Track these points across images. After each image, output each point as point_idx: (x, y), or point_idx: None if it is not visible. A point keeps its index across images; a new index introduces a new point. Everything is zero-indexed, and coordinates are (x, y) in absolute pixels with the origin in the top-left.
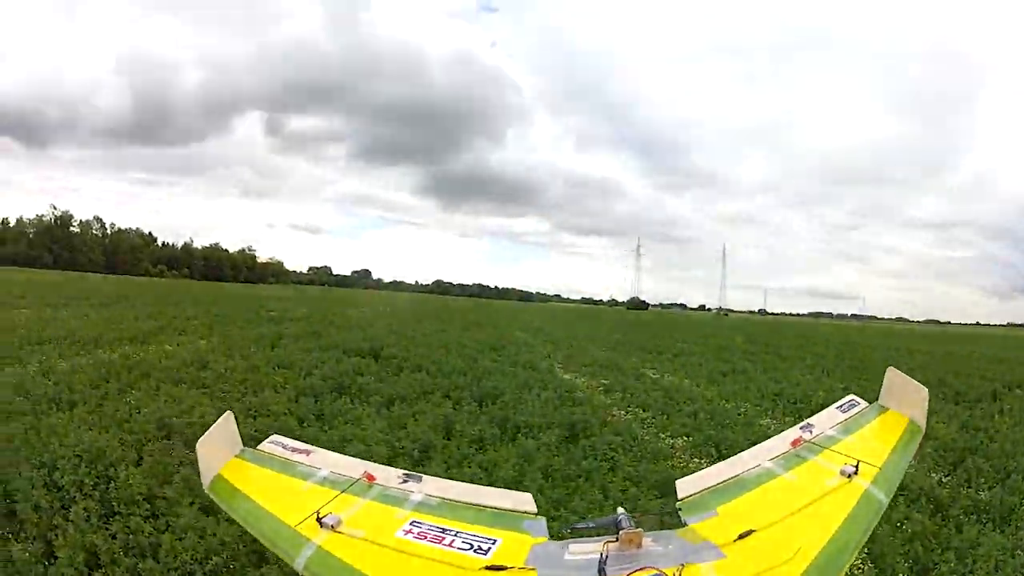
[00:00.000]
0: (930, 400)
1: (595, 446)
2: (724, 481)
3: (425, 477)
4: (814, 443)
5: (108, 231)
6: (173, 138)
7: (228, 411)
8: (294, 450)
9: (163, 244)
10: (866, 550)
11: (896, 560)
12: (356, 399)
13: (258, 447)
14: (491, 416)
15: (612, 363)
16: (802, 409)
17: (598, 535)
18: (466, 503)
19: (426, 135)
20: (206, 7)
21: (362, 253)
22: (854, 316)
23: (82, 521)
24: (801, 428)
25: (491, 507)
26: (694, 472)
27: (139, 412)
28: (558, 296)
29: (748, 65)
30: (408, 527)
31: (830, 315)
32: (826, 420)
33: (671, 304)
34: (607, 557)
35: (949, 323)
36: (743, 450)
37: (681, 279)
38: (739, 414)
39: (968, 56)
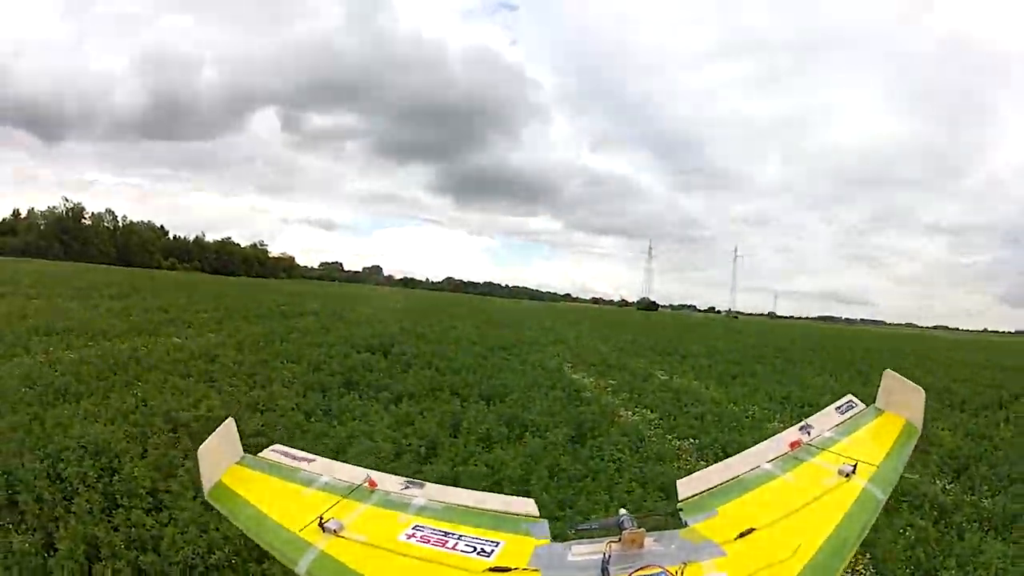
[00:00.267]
0: (935, 407)
1: (602, 446)
2: (724, 482)
3: (427, 484)
4: (812, 445)
5: (120, 224)
6: (190, 134)
7: (229, 418)
8: (296, 458)
9: (175, 237)
10: (868, 555)
11: (898, 565)
12: (364, 395)
13: (259, 454)
14: (499, 414)
15: (620, 363)
16: (810, 413)
17: (600, 536)
18: (468, 507)
19: (442, 133)
20: (226, 5)
21: (374, 250)
22: (863, 321)
23: (84, 513)
24: (800, 429)
25: (493, 511)
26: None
27: (145, 405)
28: (568, 296)
29: (765, 64)
30: (411, 531)
31: (839, 319)
32: (824, 421)
33: (682, 305)
34: (610, 557)
35: (958, 329)
36: (731, 458)
37: (693, 280)
38: (747, 417)
39: (986, 58)
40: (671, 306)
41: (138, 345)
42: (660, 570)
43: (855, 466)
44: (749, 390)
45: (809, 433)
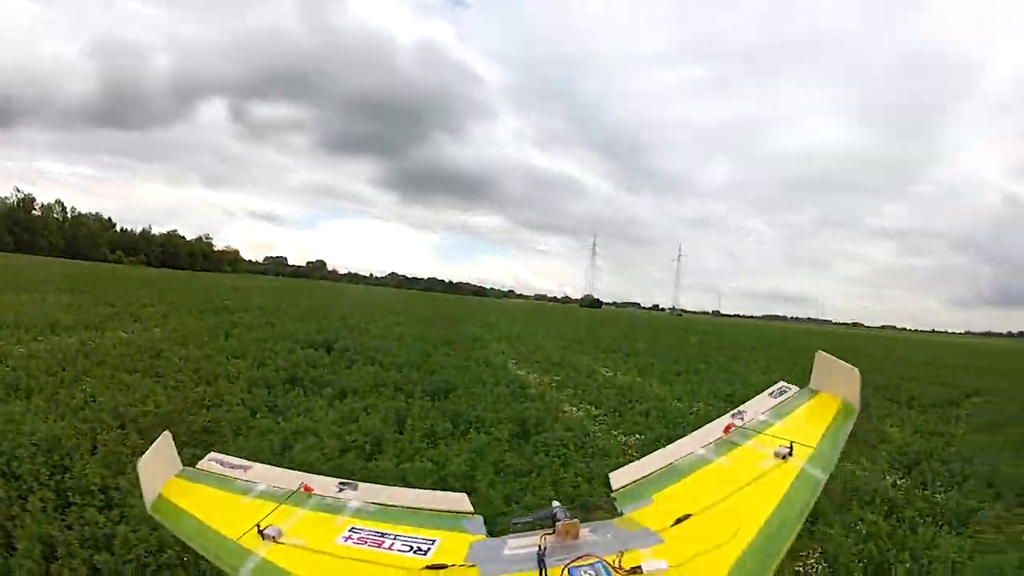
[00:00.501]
0: (884, 404)
1: (547, 442)
2: (658, 470)
3: (361, 484)
4: (746, 428)
5: (68, 215)
6: (139, 122)
7: (166, 431)
8: (232, 466)
9: (121, 230)
10: (819, 550)
11: (850, 560)
12: (309, 391)
13: (197, 465)
14: (443, 410)
15: (565, 360)
16: None
17: (535, 529)
18: (403, 507)
19: (389, 127)
20: None
21: (319, 244)
22: (810, 320)
23: (38, 512)
24: (732, 415)
25: (428, 509)
26: None
27: (94, 401)
28: (512, 292)
29: (715, 70)
30: (348, 534)
31: (785, 318)
32: (757, 406)
33: (625, 303)
34: (546, 549)
35: (906, 329)
36: (664, 447)
37: (637, 279)
38: (691, 414)
39: (936, 69)
40: (615, 303)
41: (86, 339)
42: (596, 560)
43: (791, 447)
44: (693, 387)
45: (742, 418)
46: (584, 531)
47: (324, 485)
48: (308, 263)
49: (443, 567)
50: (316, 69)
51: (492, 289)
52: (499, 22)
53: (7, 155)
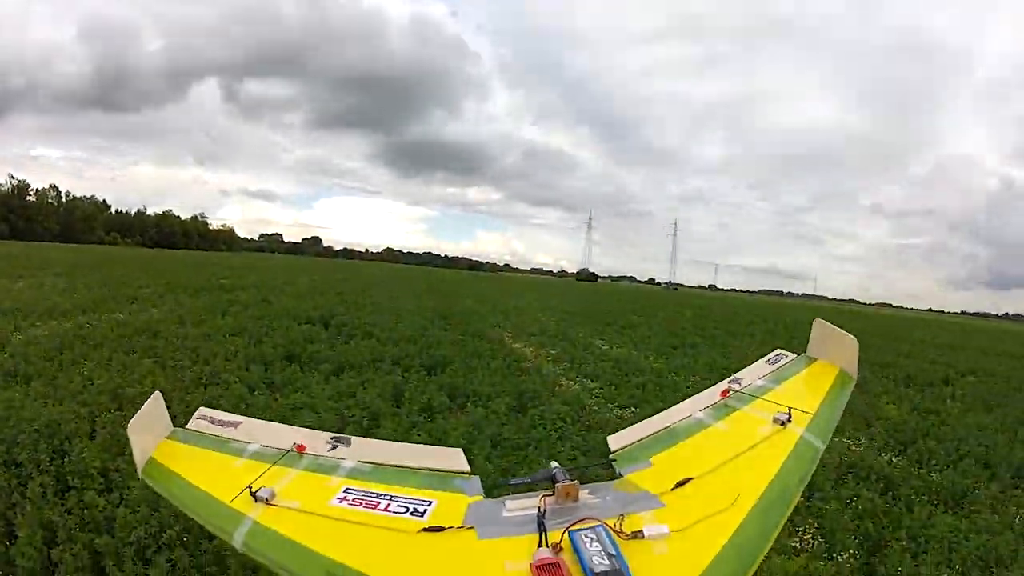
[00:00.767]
0: (881, 381)
1: (544, 415)
2: (655, 432)
3: (354, 439)
4: (744, 393)
5: (63, 199)
6: (132, 105)
7: (156, 392)
8: (223, 423)
9: (116, 212)
10: (816, 524)
11: (846, 536)
12: (306, 367)
13: (187, 425)
14: (440, 384)
15: (561, 334)
16: None
17: (532, 491)
18: (398, 466)
19: (382, 104)
20: None
21: (314, 220)
22: (804, 296)
23: (38, 498)
24: (730, 381)
25: (424, 468)
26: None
27: (92, 383)
28: (508, 266)
29: (711, 46)
30: (342, 495)
31: (780, 293)
32: (754, 371)
33: (620, 277)
34: (545, 511)
35: (902, 307)
36: (662, 411)
37: (632, 253)
38: (687, 387)
39: (931, 50)
40: (610, 277)
41: (83, 323)
42: (597, 523)
43: (789, 413)
44: (689, 360)
45: (740, 384)
46: (583, 493)
47: (316, 440)
48: (303, 240)
49: (441, 529)
50: (309, 46)
51: (488, 263)
52: None
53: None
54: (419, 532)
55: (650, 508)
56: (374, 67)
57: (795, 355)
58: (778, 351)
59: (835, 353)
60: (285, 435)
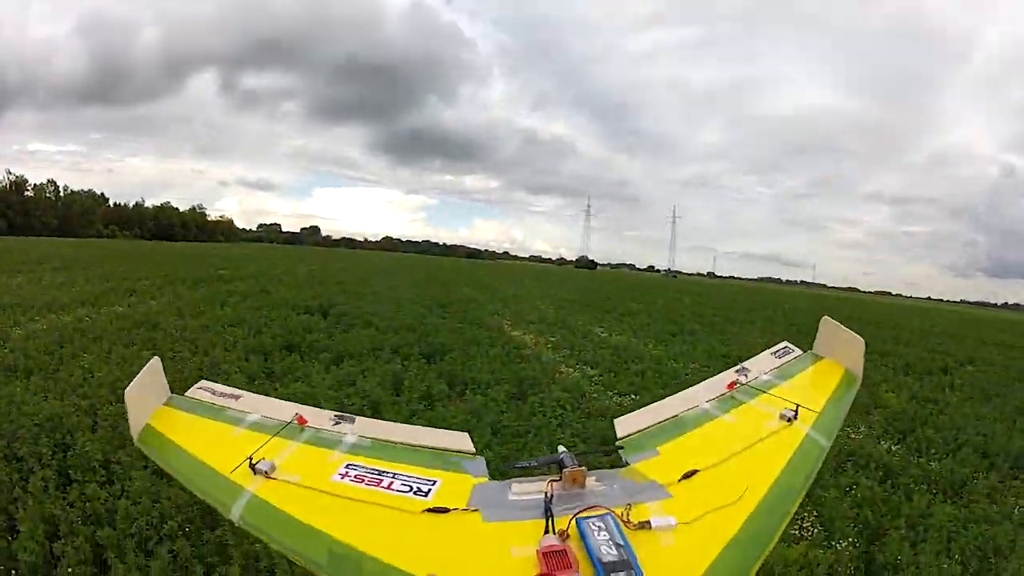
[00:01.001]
0: (880, 370)
1: (543, 403)
2: (662, 421)
3: (358, 418)
4: (751, 386)
5: (61, 194)
6: (129, 98)
7: (155, 357)
8: (223, 395)
9: (114, 204)
10: (815, 513)
11: (845, 524)
12: (306, 356)
13: (186, 393)
14: (440, 372)
15: (560, 321)
16: None
17: (538, 475)
18: (401, 444)
19: (379, 92)
20: None
21: (312, 210)
22: (804, 283)
23: (40, 492)
24: (736, 371)
25: (427, 447)
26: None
27: (92, 377)
28: (507, 254)
29: (708, 32)
30: (344, 470)
31: (779, 281)
32: (761, 364)
33: (619, 264)
34: (552, 496)
35: (901, 296)
36: (668, 398)
37: (631, 240)
38: (686, 374)
39: (931, 36)
40: (609, 264)
41: (82, 316)
42: (605, 511)
43: (796, 410)
44: (688, 348)
45: (746, 375)
46: (590, 480)
47: (319, 417)
48: (302, 229)
49: (445, 510)
50: (305, 36)
51: (487, 251)
52: None
53: None
54: (423, 512)
55: (657, 499)
56: (371, 55)
57: (801, 351)
58: (785, 344)
59: (841, 353)
60: (286, 408)
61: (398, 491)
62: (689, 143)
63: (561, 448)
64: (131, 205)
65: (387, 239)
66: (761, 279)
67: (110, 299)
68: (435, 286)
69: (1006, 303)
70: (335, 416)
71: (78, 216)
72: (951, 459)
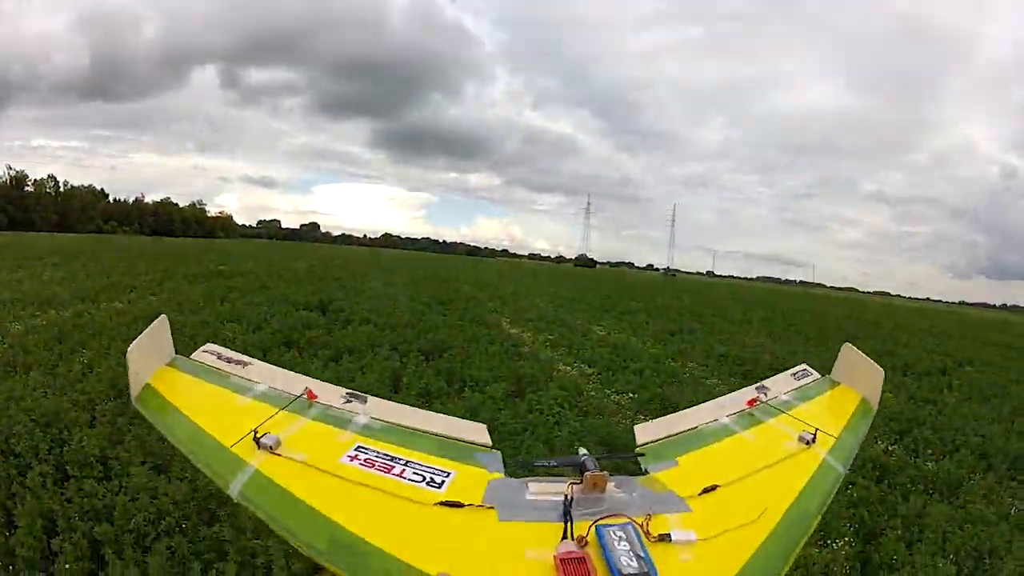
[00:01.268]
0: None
1: (541, 400)
2: (682, 432)
3: (370, 398)
4: (770, 405)
5: (61, 189)
6: (130, 94)
7: (162, 315)
8: (230, 360)
9: (114, 200)
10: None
11: (841, 524)
12: (304, 352)
13: (192, 356)
14: (438, 369)
15: (559, 319)
16: (747, 371)
17: (558, 475)
18: (415, 429)
19: (382, 89)
20: None
21: (313, 206)
22: (803, 283)
23: (38, 487)
24: (756, 389)
25: (441, 435)
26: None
27: (91, 372)
28: (506, 251)
29: (711, 30)
30: (353, 452)
31: (778, 280)
32: (780, 384)
33: (619, 263)
34: (572, 500)
35: (900, 296)
36: (689, 408)
37: (630, 238)
38: (685, 373)
39: (932, 36)
40: (609, 263)
41: (82, 311)
42: (627, 520)
43: (815, 434)
44: (687, 347)
45: (766, 394)
46: (610, 485)
47: (329, 393)
48: (302, 226)
49: (459, 505)
50: (308, 32)
51: (487, 249)
52: None
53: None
54: (436, 505)
55: (677, 511)
56: (374, 52)
57: (819, 375)
58: (803, 366)
59: (860, 381)
60: (297, 381)
61: (410, 480)
62: (690, 142)
63: (582, 450)
64: (131, 200)
65: (387, 236)
66: (760, 279)
67: (110, 295)
68: (434, 283)
69: (1005, 304)
70: (347, 394)
71: (78, 212)
72: (948, 460)
